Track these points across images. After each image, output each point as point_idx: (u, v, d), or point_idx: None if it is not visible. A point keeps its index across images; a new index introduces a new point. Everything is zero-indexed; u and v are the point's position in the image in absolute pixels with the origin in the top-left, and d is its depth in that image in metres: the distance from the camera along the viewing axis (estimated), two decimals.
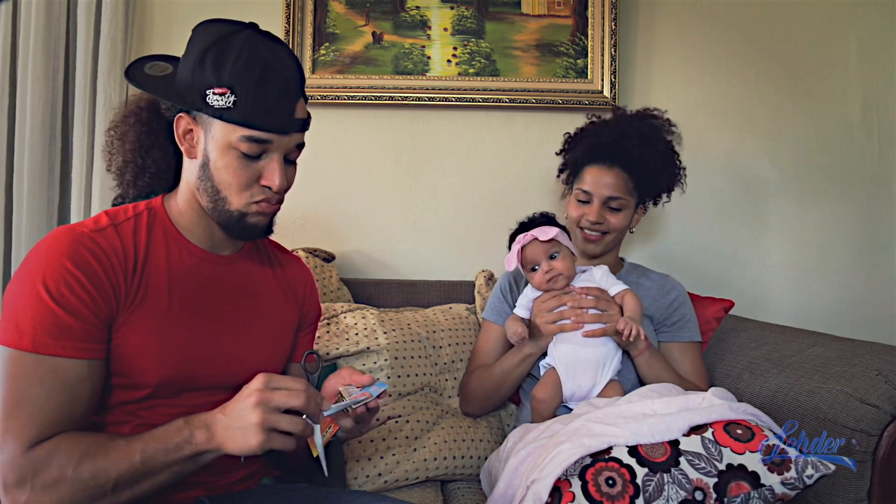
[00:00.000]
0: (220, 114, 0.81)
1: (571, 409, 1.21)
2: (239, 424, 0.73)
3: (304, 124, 0.88)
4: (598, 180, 1.36)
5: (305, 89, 0.89)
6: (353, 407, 0.84)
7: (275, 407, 0.73)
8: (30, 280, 0.76)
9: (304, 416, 0.76)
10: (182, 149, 0.88)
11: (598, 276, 1.30)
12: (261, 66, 0.80)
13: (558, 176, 1.57)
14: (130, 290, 0.82)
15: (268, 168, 0.85)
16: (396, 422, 1.34)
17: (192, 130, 0.86)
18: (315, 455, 0.80)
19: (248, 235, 0.90)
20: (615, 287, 1.28)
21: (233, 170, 0.84)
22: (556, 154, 1.57)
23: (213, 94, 0.80)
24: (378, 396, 0.86)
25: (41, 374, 0.74)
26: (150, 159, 0.94)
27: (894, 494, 1.02)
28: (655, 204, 1.50)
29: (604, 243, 1.39)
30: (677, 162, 1.44)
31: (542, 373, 1.28)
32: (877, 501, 1.02)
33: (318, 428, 0.78)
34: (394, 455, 1.30)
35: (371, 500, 0.93)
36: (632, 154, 1.35)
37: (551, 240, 1.24)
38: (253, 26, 0.84)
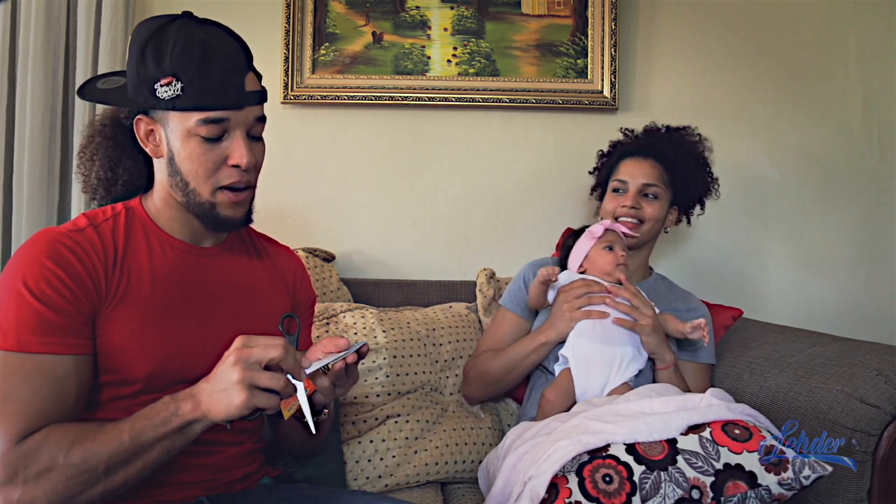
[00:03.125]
0: (172, 104, 0.81)
1: None
2: (221, 387, 0.73)
3: (259, 96, 0.87)
4: (633, 169, 1.40)
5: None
6: (332, 363, 0.83)
7: (254, 362, 0.73)
8: (11, 281, 0.77)
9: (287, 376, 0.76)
10: (147, 150, 0.89)
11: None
12: (199, 47, 0.80)
13: (592, 193, 1.60)
14: (111, 284, 0.83)
15: (232, 147, 0.85)
16: (396, 422, 1.34)
17: (152, 130, 0.87)
18: (296, 415, 0.80)
19: (225, 227, 0.91)
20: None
21: (197, 157, 0.84)
22: (590, 173, 1.59)
23: (160, 86, 0.81)
24: (357, 352, 0.85)
25: (27, 371, 0.74)
26: (120, 169, 0.96)
27: (894, 494, 1.02)
28: (689, 217, 1.50)
29: (640, 233, 1.37)
30: (709, 170, 1.47)
31: (556, 373, 1.25)
32: (877, 501, 1.02)
33: (301, 385, 0.78)
34: (394, 457, 1.30)
35: (371, 499, 0.93)
36: (665, 152, 1.41)
37: (629, 239, 1.33)
38: (186, 14, 0.84)
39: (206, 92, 0.81)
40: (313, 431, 0.80)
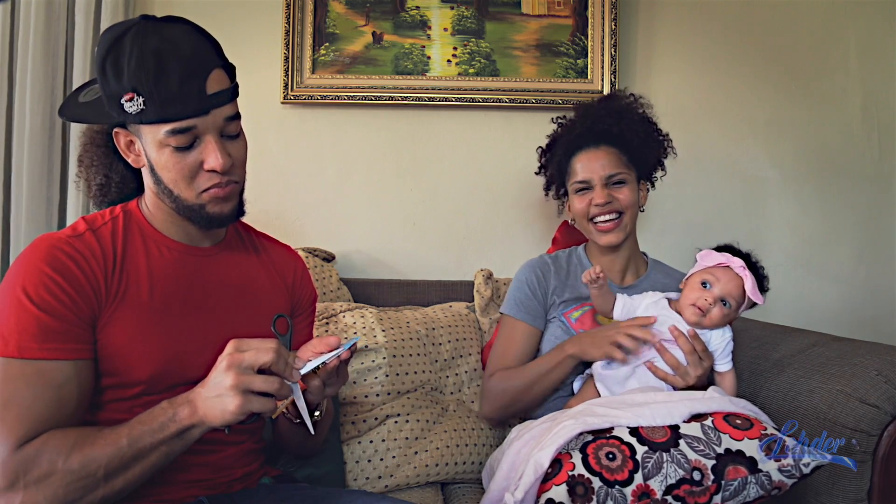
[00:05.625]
0: (140, 118, 0.81)
1: None
2: (216, 392, 0.73)
3: (228, 95, 0.85)
4: (590, 164, 1.30)
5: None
6: (326, 362, 0.83)
7: (247, 367, 0.73)
8: (11, 288, 0.78)
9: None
10: (129, 161, 0.89)
11: (716, 339, 1.16)
12: (153, 58, 0.78)
13: (546, 194, 1.48)
14: (111, 289, 0.83)
15: (205, 152, 0.84)
16: (396, 422, 1.34)
17: (132, 141, 0.87)
18: (290, 417, 0.79)
19: (217, 224, 0.90)
20: (724, 362, 1.15)
21: (173, 165, 0.84)
22: (536, 174, 1.49)
23: (125, 102, 0.80)
24: (350, 349, 0.85)
25: (27, 377, 0.75)
26: (113, 173, 0.96)
27: (894, 494, 1.02)
28: (653, 183, 1.44)
29: (622, 227, 1.30)
30: (658, 129, 1.38)
31: (576, 388, 1.23)
32: (877, 501, 1.02)
33: (296, 387, 0.78)
34: (394, 457, 1.30)
35: (371, 499, 0.93)
36: (612, 131, 1.31)
37: (745, 293, 1.12)
38: (143, 18, 0.82)
39: (167, 103, 0.79)
40: (312, 432, 0.80)
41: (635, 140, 1.32)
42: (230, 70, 0.87)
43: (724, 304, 1.13)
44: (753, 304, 1.16)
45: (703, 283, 1.14)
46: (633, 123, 1.33)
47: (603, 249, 1.35)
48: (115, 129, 0.87)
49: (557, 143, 1.41)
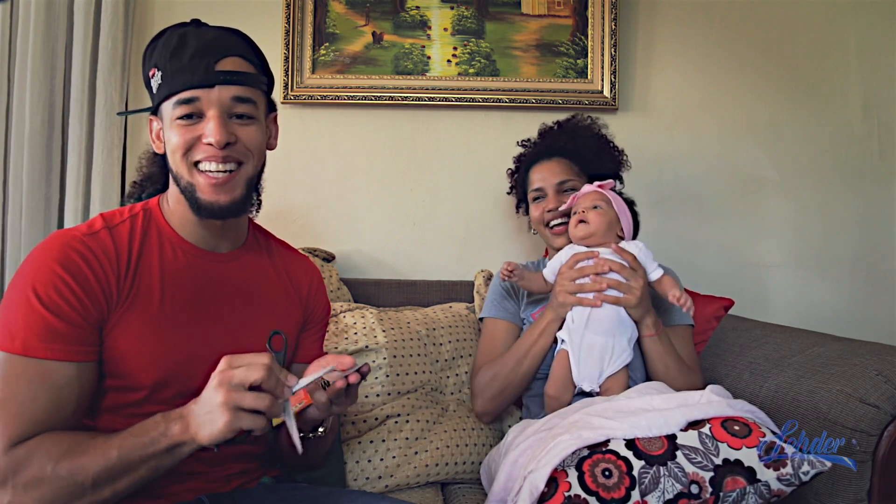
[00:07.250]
0: (159, 95, 0.85)
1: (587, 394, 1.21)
2: (206, 409, 0.72)
3: (236, 77, 0.85)
4: (544, 174, 1.43)
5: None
6: (325, 378, 0.81)
7: (238, 384, 0.71)
8: (21, 285, 0.78)
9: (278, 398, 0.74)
10: (155, 148, 0.92)
11: (635, 252, 1.25)
12: (177, 38, 0.84)
13: (517, 211, 1.63)
14: (122, 291, 0.82)
15: (206, 126, 0.84)
16: (396, 422, 1.34)
17: (161, 129, 0.90)
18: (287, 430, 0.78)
19: (207, 212, 0.87)
20: (653, 270, 1.23)
21: (174, 138, 0.85)
22: (508, 194, 1.63)
23: (150, 79, 0.86)
24: (359, 371, 0.83)
25: (29, 376, 0.75)
26: (149, 169, 1.00)
27: (894, 494, 1.02)
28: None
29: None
30: (612, 144, 1.50)
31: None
32: (877, 501, 1.02)
33: (288, 405, 0.76)
34: (394, 457, 1.30)
35: (371, 499, 0.93)
36: (566, 146, 1.45)
37: (601, 192, 1.27)
38: (194, 22, 0.88)
39: (178, 74, 0.83)
40: (299, 451, 0.78)
41: (588, 153, 1.44)
42: (257, 64, 0.90)
43: (595, 208, 1.26)
44: (634, 216, 1.34)
45: (573, 213, 1.29)
46: (586, 140, 1.46)
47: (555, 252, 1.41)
48: (150, 117, 0.91)
49: (521, 162, 1.55)
